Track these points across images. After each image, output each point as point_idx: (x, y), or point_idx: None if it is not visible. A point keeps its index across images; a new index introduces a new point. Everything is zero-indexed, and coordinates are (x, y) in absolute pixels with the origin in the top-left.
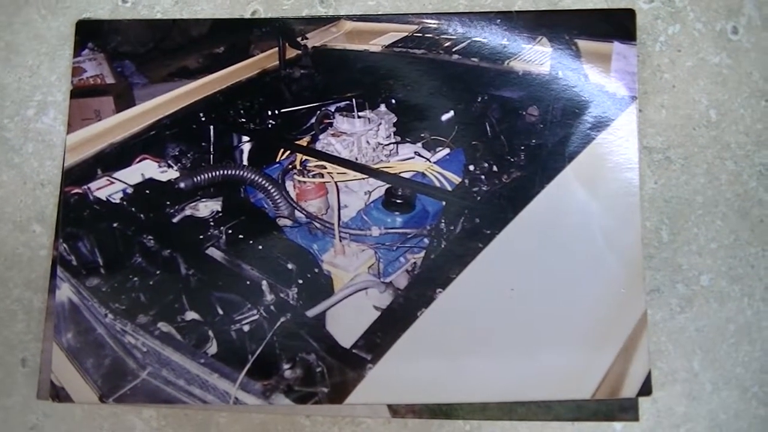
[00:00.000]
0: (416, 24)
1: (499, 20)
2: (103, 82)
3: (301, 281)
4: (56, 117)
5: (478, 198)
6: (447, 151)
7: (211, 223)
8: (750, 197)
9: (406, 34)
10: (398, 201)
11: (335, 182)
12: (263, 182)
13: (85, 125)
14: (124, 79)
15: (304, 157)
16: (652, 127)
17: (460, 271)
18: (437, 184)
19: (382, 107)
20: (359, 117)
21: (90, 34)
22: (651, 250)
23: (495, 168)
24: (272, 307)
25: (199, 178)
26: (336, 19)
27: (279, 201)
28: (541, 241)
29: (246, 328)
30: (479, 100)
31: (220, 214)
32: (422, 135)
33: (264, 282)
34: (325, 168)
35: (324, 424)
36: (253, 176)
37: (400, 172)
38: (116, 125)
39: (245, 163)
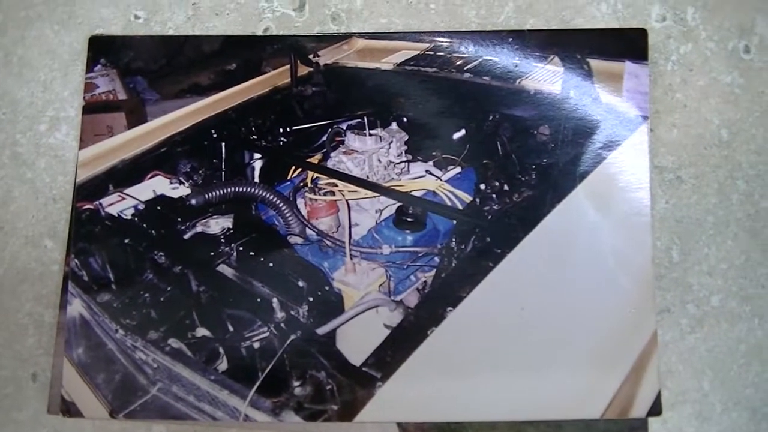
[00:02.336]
0: (428, 42)
1: (510, 39)
2: (115, 97)
3: (311, 299)
4: (68, 132)
5: (489, 217)
6: (458, 169)
7: (222, 240)
8: (761, 217)
9: (418, 52)
10: (409, 219)
11: (346, 200)
12: (274, 199)
13: (97, 141)
14: (136, 95)
15: (316, 175)
16: (663, 147)
17: (470, 290)
18: (448, 202)
19: (394, 125)
20: (371, 135)
21: (102, 49)
22: (661, 269)
23: (506, 187)
24: (283, 325)
25: (210, 194)
26: (348, 36)
27: (290, 218)
28: (551, 260)
29: (256, 345)
30: (491, 118)
31: (231, 231)
32: (433, 153)
33: (275, 299)
34: (336, 186)
35: None
36: (264, 193)
37: (411, 191)
38: (128, 141)
39: (256, 180)
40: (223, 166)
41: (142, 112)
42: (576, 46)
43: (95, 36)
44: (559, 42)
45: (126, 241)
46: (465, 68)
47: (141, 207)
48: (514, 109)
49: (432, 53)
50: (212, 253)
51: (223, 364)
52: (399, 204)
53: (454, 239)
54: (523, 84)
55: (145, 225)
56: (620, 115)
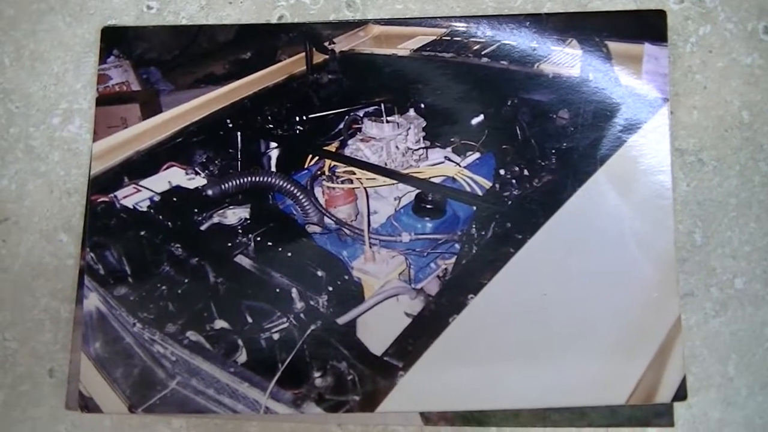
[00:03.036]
0: (444, 27)
1: (528, 23)
2: (128, 89)
3: (331, 288)
4: (82, 125)
5: (509, 202)
6: (477, 155)
7: (240, 231)
8: None
9: (435, 37)
10: (428, 206)
11: (364, 188)
12: (292, 189)
13: (111, 133)
14: (150, 86)
15: (333, 163)
16: (684, 129)
17: (491, 276)
18: (468, 188)
19: (411, 112)
20: (388, 122)
21: (115, 41)
22: (684, 253)
23: (526, 172)
24: (302, 315)
25: (226, 185)
26: (363, 23)
27: (308, 207)
28: (573, 245)
29: (276, 336)
30: (509, 103)
31: (249, 222)
32: (452, 139)
33: (294, 289)
34: (354, 174)
35: None
36: (281, 183)
37: (429, 177)
38: (142, 132)
39: (273, 169)
40: (239, 156)
41: (156, 102)
42: (594, 29)
43: (108, 27)
44: (577, 25)
45: (142, 233)
46: (482, 53)
47: (156, 199)
48: (533, 93)
49: (449, 38)
50: (229, 244)
51: (242, 357)
52: (418, 191)
53: (474, 225)
54: (542, 68)
55: (161, 217)
56: (640, 97)
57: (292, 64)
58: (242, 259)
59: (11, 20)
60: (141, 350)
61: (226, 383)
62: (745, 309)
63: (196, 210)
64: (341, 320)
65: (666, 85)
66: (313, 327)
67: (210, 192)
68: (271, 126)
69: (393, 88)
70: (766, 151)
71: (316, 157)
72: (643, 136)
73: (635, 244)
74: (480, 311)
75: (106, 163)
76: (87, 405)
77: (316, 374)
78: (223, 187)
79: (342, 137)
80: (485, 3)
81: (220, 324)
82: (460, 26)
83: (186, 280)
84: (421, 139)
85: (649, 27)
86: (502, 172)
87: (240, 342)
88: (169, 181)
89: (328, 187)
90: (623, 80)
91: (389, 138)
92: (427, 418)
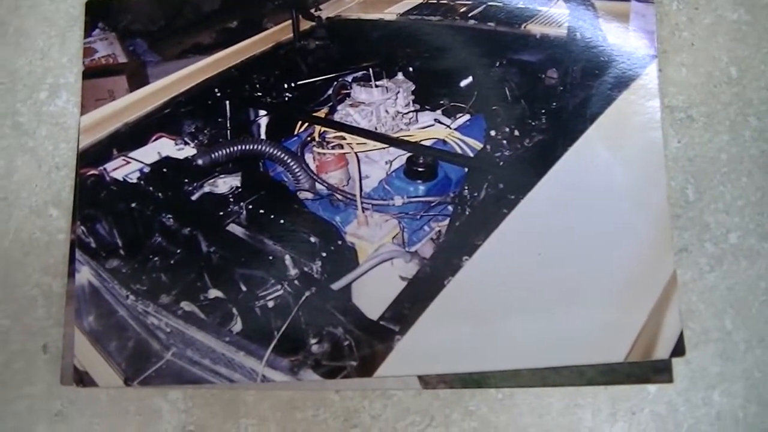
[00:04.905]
0: None
1: None
2: (115, 61)
3: (324, 254)
4: (69, 99)
5: (501, 163)
6: (467, 117)
7: (231, 199)
8: None
9: (421, 0)
10: (420, 169)
11: (355, 153)
12: (282, 155)
13: (98, 106)
14: (136, 57)
15: (323, 129)
16: (672, 86)
17: (485, 237)
18: (459, 150)
19: (400, 75)
20: (377, 86)
21: (100, 13)
22: (677, 209)
23: (516, 132)
24: (296, 282)
25: (216, 154)
26: None
27: (299, 174)
28: (566, 204)
29: (270, 304)
30: (497, 64)
31: (240, 190)
32: (441, 102)
33: (287, 256)
34: (345, 139)
35: (354, 398)
36: (271, 150)
37: (420, 140)
38: (130, 104)
39: (263, 137)
40: (228, 125)
41: (143, 74)
42: None
43: (92, 0)
44: None
45: (133, 205)
46: (469, 15)
47: (146, 170)
48: (521, 53)
49: (435, 1)
50: (221, 213)
51: (237, 325)
52: (409, 154)
53: (466, 187)
54: (529, 28)
55: (151, 188)
56: (629, 54)
57: (278, 32)
58: (234, 228)
59: None
60: (135, 322)
61: (221, 353)
62: (740, 263)
63: (186, 180)
64: (336, 286)
65: (654, 42)
66: (307, 293)
67: (200, 161)
68: (260, 94)
69: (381, 53)
70: (756, 106)
71: (306, 124)
72: (633, 93)
73: (628, 202)
74: (475, 273)
75: (94, 136)
76: (82, 379)
77: (313, 341)
78: (213, 156)
79: (331, 103)
80: None
81: (214, 293)
82: None
83: (178, 251)
84: (411, 102)
85: None
86: (492, 133)
87: (235, 311)
88: (159, 152)
89: (319, 153)
90: (611, 38)
91: (378, 102)
92: (426, 381)
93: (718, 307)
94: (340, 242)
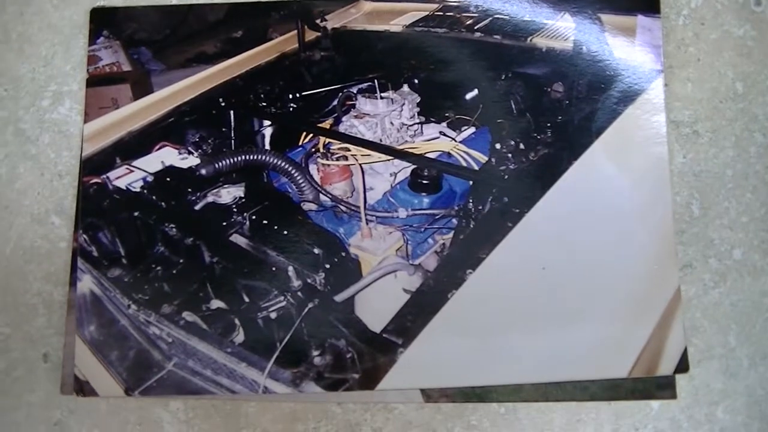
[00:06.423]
0: (436, 2)
1: None
2: (119, 69)
3: (328, 266)
4: (72, 107)
5: (506, 177)
6: (472, 129)
7: (235, 210)
8: None
9: (427, 13)
10: (424, 182)
11: (360, 164)
12: (286, 166)
13: (102, 114)
14: (140, 66)
15: (327, 140)
16: (678, 101)
17: (489, 251)
18: (463, 163)
19: (405, 87)
20: (382, 98)
21: (105, 21)
22: (682, 225)
23: (522, 146)
24: (299, 293)
25: (220, 164)
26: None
27: (303, 185)
28: (570, 218)
29: (273, 315)
30: (503, 77)
31: (244, 200)
32: (447, 114)
33: (290, 268)
34: (349, 150)
35: (356, 411)
36: (275, 161)
37: (425, 153)
38: (134, 113)
39: (267, 147)
40: (232, 135)
41: (147, 83)
42: (587, 1)
43: (97, 8)
44: None
45: (135, 214)
46: (475, 27)
47: (149, 179)
48: (527, 67)
49: (441, 14)
50: (224, 223)
51: (239, 336)
52: (413, 166)
53: (471, 200)
54: (535, 41)
55: (154, 197)
56: (635, 69)
57: (283, 42)
58: (238, 238)
59: None
60: (136, 332)
61: (223, 363)
62: (744, 279)
63: (189, 190)
64: (339, 297)
65: (660, 57)
66: (310, 305)
67: (204, 171)
68: (264, 104)
69: (386, 64)
70: (761, 121)
71: (311, 135)
72: (639, 107)
73: (633, 216)
74: (479, 286)
75: (97, 145)
76: (82, 389)
77: (315, 353)
78: (216, 166)
79: (336, 114)
80: None
81: (216, 304)
82: (453, 1)
83: (181, 261)
84: (416, 114)
85: None
86: (497, 146)
87: (237, 321)
88: (162, 161)
89: (323, 164)
90: (617, 52)
91: (383, 114)
92: (428, 395)
93: (722, 323)
94: (343, 254)
